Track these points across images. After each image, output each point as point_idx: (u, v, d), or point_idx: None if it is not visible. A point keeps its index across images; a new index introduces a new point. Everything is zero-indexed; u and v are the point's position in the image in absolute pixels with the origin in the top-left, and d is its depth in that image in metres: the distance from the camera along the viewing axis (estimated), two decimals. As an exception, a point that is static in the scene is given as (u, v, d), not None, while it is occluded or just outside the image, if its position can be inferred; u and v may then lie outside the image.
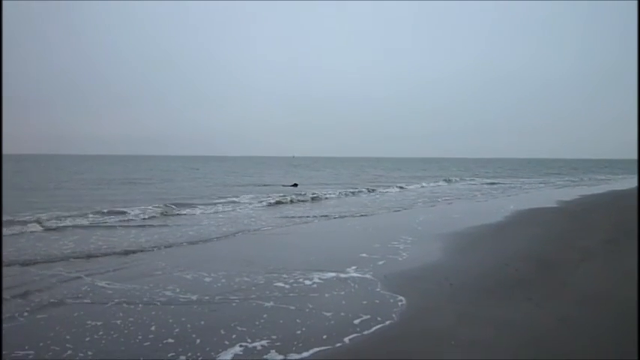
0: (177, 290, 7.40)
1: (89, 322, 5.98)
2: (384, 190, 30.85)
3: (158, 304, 6.74)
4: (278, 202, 21.97)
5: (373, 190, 30.22)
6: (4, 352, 5.01)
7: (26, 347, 5.18)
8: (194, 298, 7.04)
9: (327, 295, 7.25)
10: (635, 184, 34.21)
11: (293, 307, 6.62)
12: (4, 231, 12.08)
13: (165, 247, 11.05)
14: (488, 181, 43.79)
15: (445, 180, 43.47)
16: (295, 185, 35.01)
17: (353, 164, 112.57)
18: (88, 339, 5.44)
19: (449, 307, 6.52)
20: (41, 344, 5.30)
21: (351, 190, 29.14)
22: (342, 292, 7.36)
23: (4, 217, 13.32)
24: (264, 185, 35.37)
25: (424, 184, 37.46)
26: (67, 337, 5.52)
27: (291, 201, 22.64)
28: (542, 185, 38.69)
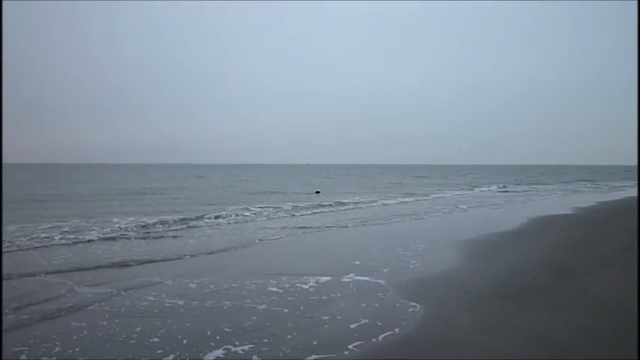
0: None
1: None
2: (403, 199, 30.68)
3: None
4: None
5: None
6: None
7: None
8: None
9: (340, 302, 7.21)
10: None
11: (309, 315, 6.60)
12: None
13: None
14: (496, 189, 43.36)
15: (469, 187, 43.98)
16: (318, 192, 35.39)
17: (367, 171, 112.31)
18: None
19: (465, 315, 6.44)
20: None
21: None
22: (357, 299, 7.32)
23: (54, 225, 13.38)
24: (294, 193, 35.56)
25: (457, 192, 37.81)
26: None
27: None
28: (557, 192, 38.30)
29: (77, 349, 5.36)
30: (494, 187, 44.54)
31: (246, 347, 5.41)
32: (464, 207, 24.55)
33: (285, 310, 6.79)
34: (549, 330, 5.83)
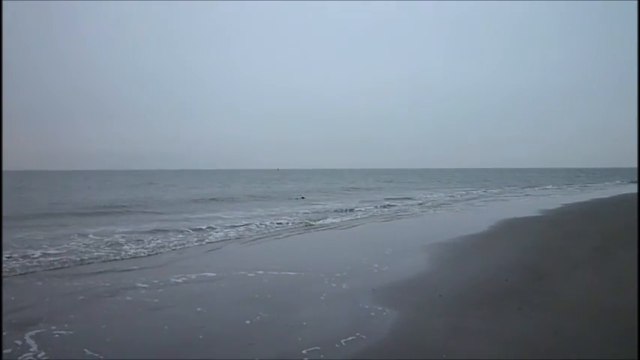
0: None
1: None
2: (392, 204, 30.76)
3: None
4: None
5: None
6: None
7: None
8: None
9: (308, 307, 7.08)
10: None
11: (276, 321, 6.43)
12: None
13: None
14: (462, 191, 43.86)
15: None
16: (303, 198, 35.28)
17: (338, 175, 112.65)
18: None
19: (439, 319, 6.38)
20: None
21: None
22: (327, 305, 7.19)
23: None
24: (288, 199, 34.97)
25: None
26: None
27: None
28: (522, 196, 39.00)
29: None
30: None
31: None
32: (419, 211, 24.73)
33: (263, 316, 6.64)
34: (524, 333, 5.82)
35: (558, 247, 11.99)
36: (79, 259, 11.01)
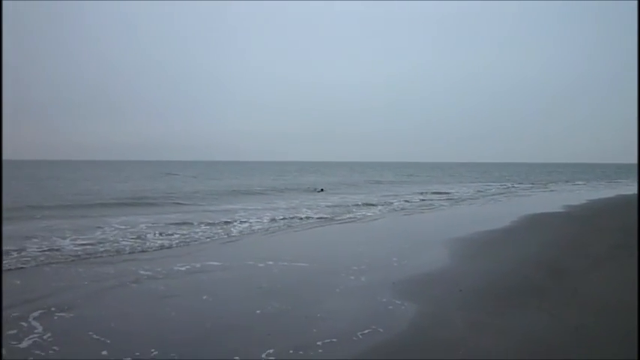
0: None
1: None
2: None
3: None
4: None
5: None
6: None
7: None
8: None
9: (331, 301, 7.10)
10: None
11: (295, 314, 6.49)
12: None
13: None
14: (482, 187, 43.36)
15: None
16: (322, 190, 35.28)
17: (357, 168, 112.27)
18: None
19: (459, 314, 6.37)
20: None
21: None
22: (348, 298, 7.20)
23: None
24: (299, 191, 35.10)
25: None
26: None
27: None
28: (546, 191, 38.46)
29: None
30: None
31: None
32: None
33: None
34: (543, 329, 5.78)
35: (580, 243, 11.82)
36: (103, 249, 11.19)
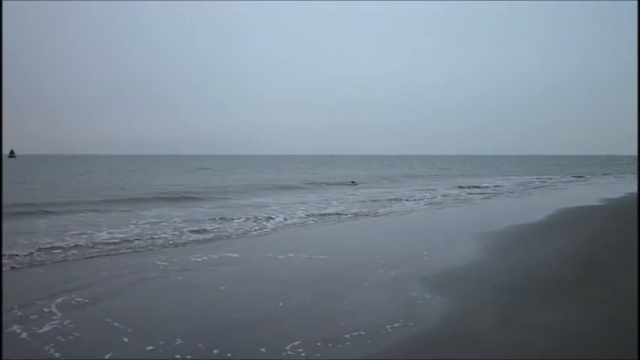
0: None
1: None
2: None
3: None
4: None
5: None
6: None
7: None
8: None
9: (361, 294, 7.05)
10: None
11: (323, 307, 6.46)
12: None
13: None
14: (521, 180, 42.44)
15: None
16: (353, 182, 35.24)
17: (394, 161, 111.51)
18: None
19: (491, 309, 6.23)
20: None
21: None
22: (378, 292, 7.14)
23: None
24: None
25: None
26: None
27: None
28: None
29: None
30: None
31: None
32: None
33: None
34: (579, 326, 5.62)
35: (619, 237, 11.47)
36: (137, 242, 11.38)
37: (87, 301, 6.72)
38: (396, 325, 5.69)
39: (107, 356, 4.88)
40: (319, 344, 5.12)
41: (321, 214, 16.84)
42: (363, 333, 5.43)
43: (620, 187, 30.53)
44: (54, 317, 6.01)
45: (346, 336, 5.34)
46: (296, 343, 5.14)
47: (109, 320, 5.88)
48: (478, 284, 7.48)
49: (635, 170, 59.34)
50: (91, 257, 9.76)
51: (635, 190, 26.87)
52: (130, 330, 5.57)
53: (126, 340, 5.31)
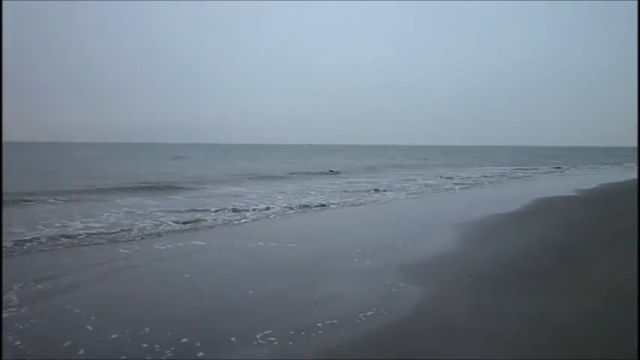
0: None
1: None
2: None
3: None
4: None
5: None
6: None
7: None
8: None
9: (334, 282, 6.99)
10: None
11: (295, 296, 6.39)
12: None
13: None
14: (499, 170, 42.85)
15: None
16: (332, 171, 35.55)
17: (374, 151, 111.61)
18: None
19: (467, 299, 6.19)
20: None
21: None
22: (350, 282, 7.08)
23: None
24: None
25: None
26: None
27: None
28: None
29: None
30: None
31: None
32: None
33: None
34: (552, 313, 5.61)
35: (592, 227, 11.58)
36: (106, 230, 11.16)
37: (50, 289, 6.55)
38: (369, 313, 5.63)
39: (67, 344, 4.74)
40: (291, 332, 5.04)
41: (299, 205, 16.62)
42: (335, 321, 5.35)
43: (594, 178, 31.01)
44: (11, 304, 5.84)
45: (318, 324, 5.26)
46: (267, 331, 5.04)
47: (71, 308, 5.74)
48: (455, 274, 7.45)
49: (616, 161, 60.50)
50: (60, 247, 9.49)
51: (603, 180, 27.31)
52: (93, 318, 5.43)
53: (89, 327, 5.17)
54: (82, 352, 4.61)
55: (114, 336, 4.94)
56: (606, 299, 6.10)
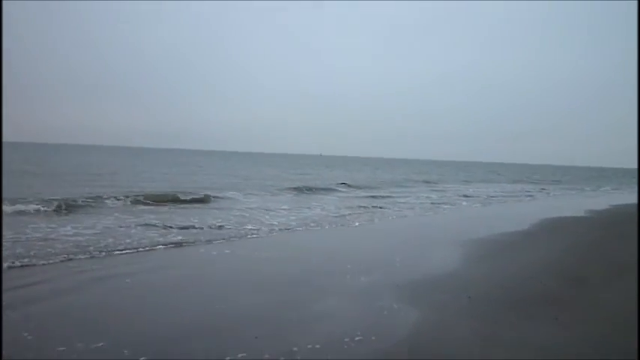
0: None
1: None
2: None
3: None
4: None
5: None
6: None
7: None
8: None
9: (322, 302, 6.51)
10: None
11: (278, 316, 5.91)
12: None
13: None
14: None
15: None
16: (344, 184, 34.89)
17: (384, 165, 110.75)
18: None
19: (466, 323, 5.71)
20: None
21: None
22: (340, 302, 6.59)
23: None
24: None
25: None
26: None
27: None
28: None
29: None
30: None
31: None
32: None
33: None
34: (559, 345, 5.11)
35: (603, 250, 11.04)
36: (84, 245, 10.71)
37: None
38: (356, 338, 5.12)
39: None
40: (266, 356, 4.55)
41: (299, 219, 16.08)
42: (318, 346, 4.86)
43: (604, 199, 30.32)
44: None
45: (294, 349, 4.77)
46: (240, 355, 4.56)
47: (17, 321, 5.29)
48: (453, 295, 6.95)
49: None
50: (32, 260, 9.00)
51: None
52: (37, 331, 5.02)
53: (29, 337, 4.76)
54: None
55: (61, 349, 4.53)
56: (617, 327, 5.59)
